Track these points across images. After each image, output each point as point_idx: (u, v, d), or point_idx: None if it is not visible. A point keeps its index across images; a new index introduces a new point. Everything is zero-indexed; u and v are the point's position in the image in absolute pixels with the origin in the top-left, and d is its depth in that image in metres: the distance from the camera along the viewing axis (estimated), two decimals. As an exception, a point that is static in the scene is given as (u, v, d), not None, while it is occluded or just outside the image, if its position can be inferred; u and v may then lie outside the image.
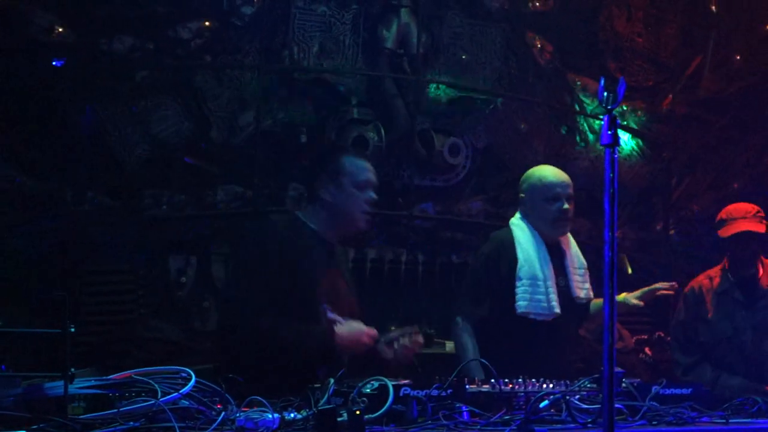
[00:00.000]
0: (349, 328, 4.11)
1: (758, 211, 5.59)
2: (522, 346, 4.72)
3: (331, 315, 4.10)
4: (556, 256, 4.96)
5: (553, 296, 4.82)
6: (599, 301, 5.05)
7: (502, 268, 4.88)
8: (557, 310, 4.82)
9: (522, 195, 5.02)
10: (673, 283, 5.09)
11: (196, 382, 3.03)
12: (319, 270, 4.23)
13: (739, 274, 5.62)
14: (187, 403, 2.96)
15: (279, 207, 6.36)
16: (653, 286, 5.05)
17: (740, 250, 5.56)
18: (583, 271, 5.02)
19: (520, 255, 4.85)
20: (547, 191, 4.89)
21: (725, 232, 5.55)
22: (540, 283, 4.80)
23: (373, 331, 4.17)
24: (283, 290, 4.08)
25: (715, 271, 5.76)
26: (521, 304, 4.77)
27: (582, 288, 4.97)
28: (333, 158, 4.36)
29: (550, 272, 4.85)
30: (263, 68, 6.49)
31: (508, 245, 4.91)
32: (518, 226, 4.96)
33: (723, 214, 5.66)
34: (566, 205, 4.88)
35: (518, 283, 4.79)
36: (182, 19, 6.32)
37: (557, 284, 4.88)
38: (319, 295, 4.17)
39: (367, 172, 4.33)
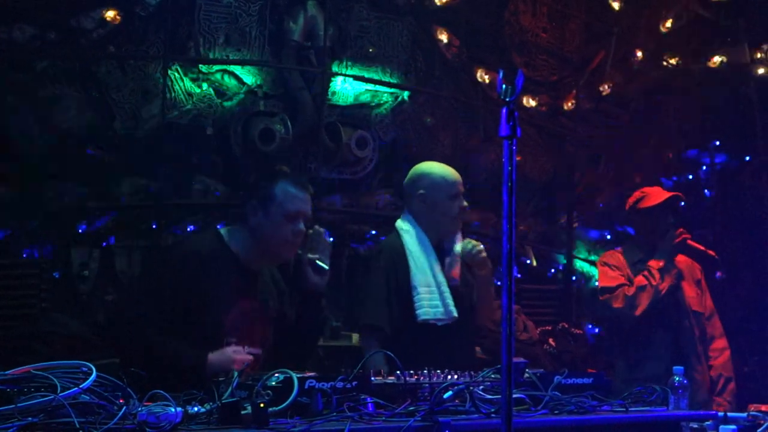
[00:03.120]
0: (221, 356, 3.96)
1: None
2: (426, 350, 4.64)
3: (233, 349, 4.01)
4: (443, 256, 4.94)
5: (449, 300, 4.80)
6: None
7: (400, 279, 4.82)
8: (455, 313, 4.80)
9: (421, 191, 4.92)
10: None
11: (97, 376, 2.98)
12: (230, 299, 4.13)
13: (652, 246, 5.79)
14: (88, 397, 2.91)
15: (184, 200, 6.31)
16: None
17: (663, 218, 5.80)
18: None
19: (412, 263, 4.82)
20: (451, 189, 4.89)
21: (651, 202, 5.81)
22: (434, 288, 4.79)
23: (247, 357, 3.99)
24: (185, 313, 4.01)
25: (619, 251, 5.99)
26: (420, 312, 4.74)
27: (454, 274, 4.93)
28: (266, 184, 4.20)
29: (440, 275, 4.84)
30: (168, 59, 6.42)
31: (400, 254, 4.86)
32: (407, 232, 4.91)
33: (638, 194, 5.96)
34: (465, 202, 4.93)
35: (414, 292, 4.76)
36: (85, 9, 6.20)
37: (449, 285, 4.87)
38: (226, 325, 4.08)
39: (300, 202, 4.18)
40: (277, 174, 4.25)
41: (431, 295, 4.78)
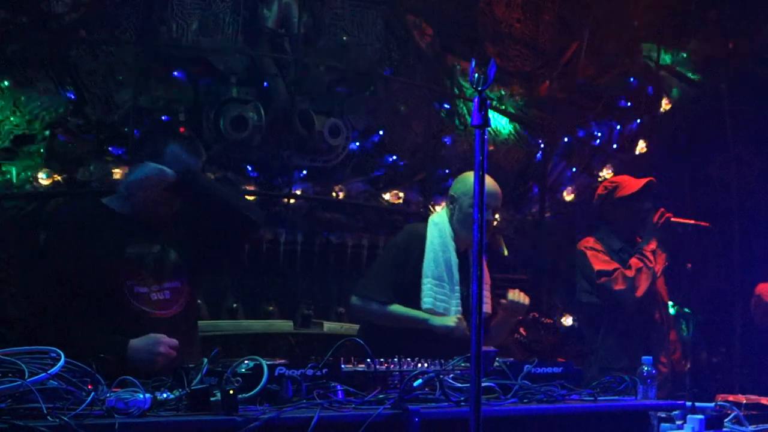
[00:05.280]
0: (146, 340, 3.90)
1: None
2: (416, 340, 4.69)
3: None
4: (465, 265, 4.98)
5: (456, 301, 4.87)
6: None
7: (410, 261, 4.91)
8: (459, 314, 4.85)
9: (454, 194, 5.05)
10: None
11: (66, 362, 2.96)
12: (116, 250, 4.08)
13: (630, 234, 5.82)
14: (56, 383, 2.90)
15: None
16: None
17: (641, 204, 5.81)
18: (487, 286, 5.07)
19: (429, 252, 4.89)
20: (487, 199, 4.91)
21: (629, 190, 5.82)
22: (445, 284, 4.86)
23: (173, 341, 3.93)
24: (82, 280, 3.98)
25: (591, 239, 5.95)
26: (427, 300, 4.83)
27: (486, 302, 5.02)
28: (157, 142, 4.18)
29: (456, 276, 4.90)
30: (140, 44, 6.37)
31: (419, 240, 4.95)
32: (437, 225, 5.01)
33: (609, 184, 5.98)
34: (490, 216, 4.98)
35: (424, 280, 4.84)
36: (57, -8, 6.16)
37: (461, 292, 4.93)
38: (123, 275, 4.05)
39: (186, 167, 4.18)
40: (170, 135, 4.22)
41: (441, 289, 4.84)
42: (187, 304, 4.25)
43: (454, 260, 4.93)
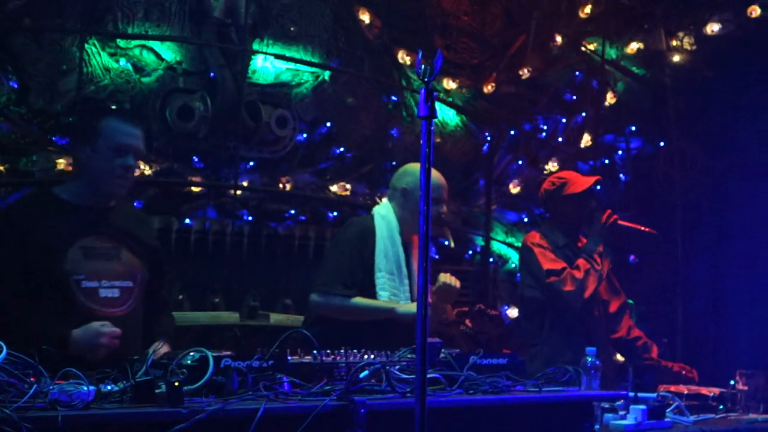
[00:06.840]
0: (84, 331, 3.87)
1: None
2: (376, 332, 4.70)
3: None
4: (409, 255, 5.06)
5: (406, 292, 4.94)
6: None
7: (365, 254, 4.91)
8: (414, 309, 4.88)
9: (405, 186, 5.05)
10: None
11: (8, 354, 2.93)
12: (65, 242, 4.02)
13: (574, 230, 5.83)
14: (-2, 375, 2.87)
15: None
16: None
17: (587, 203, 5.79)
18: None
19: (379, 246, 4.91)
20: (434, 192, 4.91)
21: (578, 188, 5.75)
22: (395, 277, 4.91)
23: (115, 331, 3.92)
24: (31, 271, 3.95)
25: (537, 235, 5.92)
26: (383, 294, 4.84)
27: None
28: (92, 119, 4.20)
29: (404, 269, 4.96)
30: (85, 33, 6.30)
31: (371, 234, 4.96)
32: (384, 218, 5.02)
33: (556, 180, 5.87)
34: (444, 208, 5.07)
35: (378, 274, 4.86)
36: (0, -20, 6.08)
37: (410, 282, 5.00)
38: (70, 268, 3.99)
39: (126, 136, 4.11)
40: (103, 111, 4.21)
41: (393, 283, 4.88)
42: (135, 306, 4.20)
43: (402, 252, 4.98)
